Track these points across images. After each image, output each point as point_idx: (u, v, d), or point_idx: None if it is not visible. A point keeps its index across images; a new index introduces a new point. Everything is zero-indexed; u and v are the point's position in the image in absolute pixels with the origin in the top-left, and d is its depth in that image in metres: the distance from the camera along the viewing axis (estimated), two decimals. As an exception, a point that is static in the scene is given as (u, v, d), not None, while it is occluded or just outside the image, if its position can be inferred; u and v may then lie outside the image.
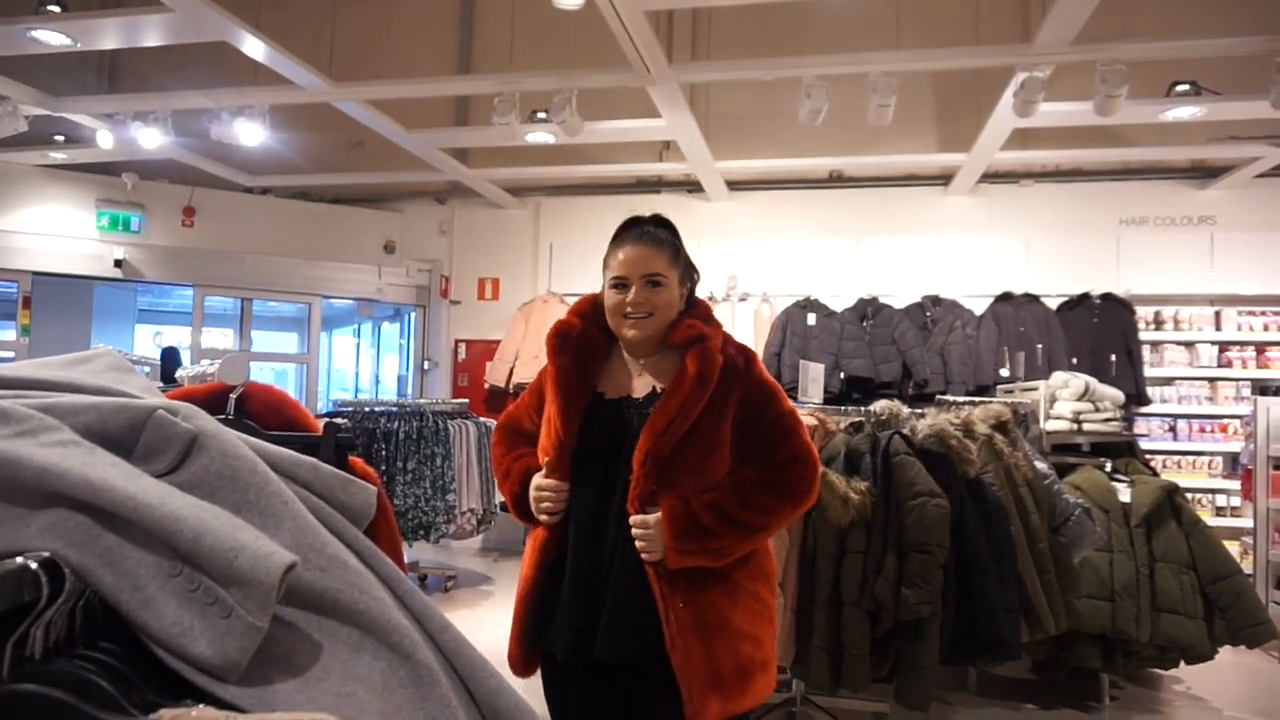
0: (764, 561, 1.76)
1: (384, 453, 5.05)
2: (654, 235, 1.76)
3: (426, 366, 8.10)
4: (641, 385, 1.76)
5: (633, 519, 1.61)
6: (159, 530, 0.68)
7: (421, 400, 6.26)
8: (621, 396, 1.76)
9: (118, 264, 6.97)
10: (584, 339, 1.78)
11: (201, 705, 0.62)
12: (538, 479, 1.75)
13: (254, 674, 0.70)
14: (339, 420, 1.72)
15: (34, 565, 0.63)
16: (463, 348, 8.00)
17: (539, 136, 6.06)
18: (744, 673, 1.62)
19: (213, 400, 1.26)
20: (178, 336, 8.49)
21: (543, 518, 1.73)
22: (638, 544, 1.60)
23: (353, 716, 0.69)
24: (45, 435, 0.71)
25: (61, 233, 6.92)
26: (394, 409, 5.32)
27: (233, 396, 1.27)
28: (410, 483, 5.03)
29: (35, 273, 6.83)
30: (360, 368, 9.68)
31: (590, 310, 1.82)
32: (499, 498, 5.73)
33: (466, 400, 6.16)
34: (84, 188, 7.04)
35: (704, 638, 1.58)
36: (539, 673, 1.79)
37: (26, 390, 0.80)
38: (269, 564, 0.68)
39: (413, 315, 8.28)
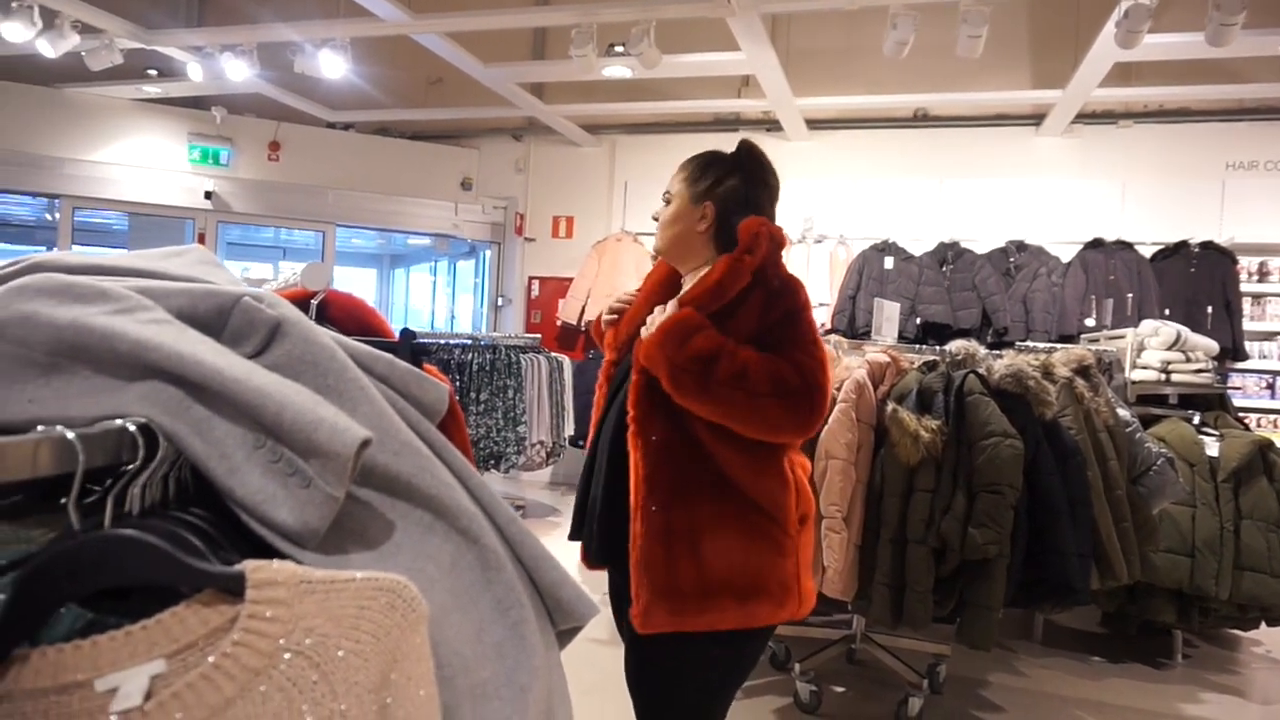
0: (778, 496, 1.64)
1: (458, 383, 5.15)
2: (689, 159, 1.81)
3: (500, 303, 8.21)
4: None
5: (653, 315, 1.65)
6: (245, 403, 0.71)
7: (495, 334, 6.37)
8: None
9: (207, 195, 7.22)
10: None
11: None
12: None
13: (331, 544, 0.74)
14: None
15: (132, 428, 0.67)
16: (536, 284, 8.08)
17: (616, 70, 5.99)
18: (706, 593, 1.55)
19: (294, 305, 1.30)
20: (264, 272, 8.76)
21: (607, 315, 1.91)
22: (642, 331, 1.65)
23: (423, 589, 0.72)
24: (141, 314, 0.75)
25: (156, 165, 7.19)
26: (468, 341, 5.43)
27: (314, 302, 1.32)
28: (482, 413, 5.15)
29: (132, 203, 7.15)
30: (436, 305, 9.87)
31: None
32: (568, 431, 5.83)
33: (539, 335, 6.24)
34: (176, 121, 7.27)
35: (667, 545, 1.55)
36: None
37: (124, 276, 0.85)
38: (346, 438, 0.71)
39: (487, 253, 8.38)
